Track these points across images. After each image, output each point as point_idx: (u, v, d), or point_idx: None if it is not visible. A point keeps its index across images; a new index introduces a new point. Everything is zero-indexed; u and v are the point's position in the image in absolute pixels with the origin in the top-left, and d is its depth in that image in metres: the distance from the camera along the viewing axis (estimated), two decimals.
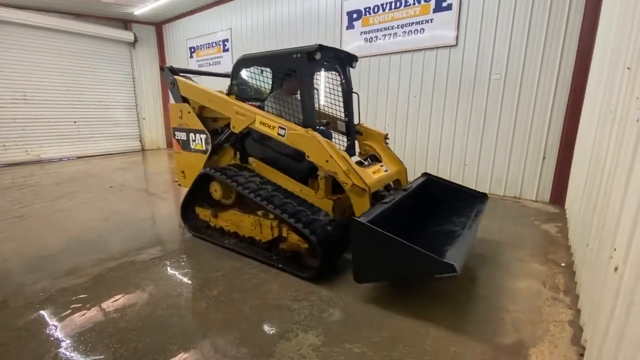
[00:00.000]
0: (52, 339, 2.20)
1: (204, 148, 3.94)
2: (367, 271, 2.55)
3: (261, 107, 3.59)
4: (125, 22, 10.66)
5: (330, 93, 3.97)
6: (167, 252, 3.60)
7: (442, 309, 2.51)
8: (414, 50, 6.01)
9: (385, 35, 6.29)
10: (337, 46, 6.95)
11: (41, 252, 3.55)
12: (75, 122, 9.99)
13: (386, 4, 6.17)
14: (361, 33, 6.58)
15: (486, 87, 5.39)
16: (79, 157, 10.03)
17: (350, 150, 3.84)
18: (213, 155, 3.94)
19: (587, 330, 2.09)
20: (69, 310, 2.51)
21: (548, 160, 5.05)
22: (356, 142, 4.04)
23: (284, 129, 3.20)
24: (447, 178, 5.98)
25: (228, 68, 9.15)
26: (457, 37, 5.51)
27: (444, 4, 5.54)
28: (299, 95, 3.72)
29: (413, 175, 6.44)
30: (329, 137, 3.85)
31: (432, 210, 3.59)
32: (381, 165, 3.55)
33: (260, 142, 3.66)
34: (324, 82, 3.98)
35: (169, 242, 3.86)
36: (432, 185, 3.76)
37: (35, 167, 8.70)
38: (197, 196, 3.89)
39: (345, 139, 4.03)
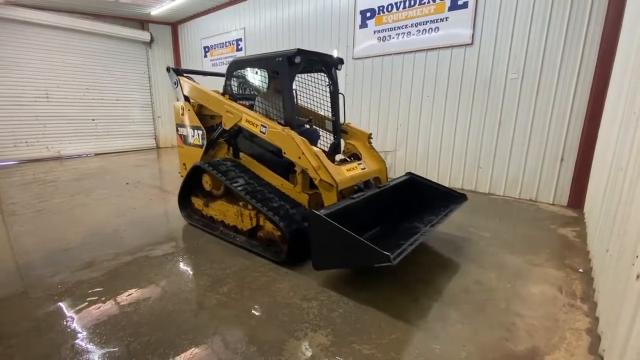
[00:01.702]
0: (69, 330, 2.27)
1: (200, 143, 4.29)
2: (323, 259, 2.73)
3: (251, 106, 3.89)
4: (142, 22, 10.88)
5: (320, 94, 4.18)
6: (179, 249, 3.66)
7: (453, 312, 2.47)
8: (428, 49, 5.93)
9: (398, 34, 6.22)
10: (349, 45, 6.93)
11: (60, 245, 3.67)
12: (93, 119, 10.27)
13: (400, 2, 6.10)
14: (374, 32, 6.53)
15: (502, 86, 5.27)
16: (96, 154, 10.30)
17: (335, 149, 4.07)
18: (209, 149, 4.28)
19: (605, 340, 2.02)
20: (86, 303, 2.58)
21: (566, 162, 4.90)
22: (342, 140, 4.19)
23: (265, 127, 3.47)
24: (460, 179, 5.94)
25: None
26: (472, 35, 5.40)
27: (460, 2, 5.44)
28: None
29: (425, 175, 6.36)
30: (317, 135, 4.18)
31: (408, 208, 3.69)
32: (359, 163, 3.70)
33: (249, 139, 3.92)
34: (315, 83, 4.23)
35: (181, 239, 3.93)
36: (414, 184, 3.87)
37: (55, 163, 8.99)
38: (191, 187, 4.18)
39: (332, 138, 4.21)
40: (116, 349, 2.09)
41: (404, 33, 6.14)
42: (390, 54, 6.43)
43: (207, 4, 9.44)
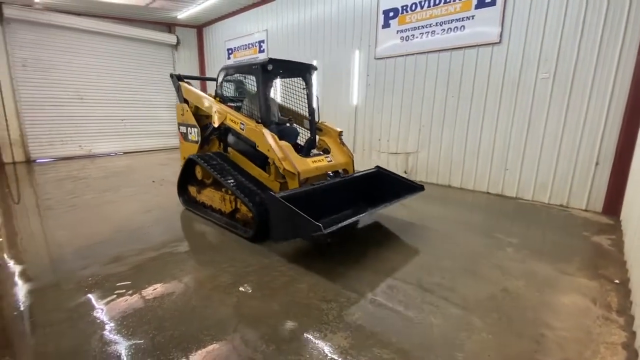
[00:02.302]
0: (99, 321, 2.37)
1: (196, 139, 4.93)
2: (278, 232, 3.20)
3: (238, 107, 4.53)
4: (169, 26, 11.24)
5: (299, 96, 4.74)
6: (202, 246, 3.75)
7: (478, 320, 2.39)
8: (453, 49, 5.78)
9: (422, 33, 6.10)
10: (371, 45, 6.88)
11: (90, 240, 3.84)
12: (122, 120, 10.70)
13: (424, 1, 5.99)
14: (397, 32, 6.44)
15: (532, 86, 5.05)
16: (124, 153, 10.74)
17: (311, 144, 4.57)
18: (204, 145, 4.92)
19: None
20: (114, 296, 2.69)
21: (602, 166, 4.63)
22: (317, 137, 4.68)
23: (243, 124, 4.07)
24: (485, 182, 5.76)
25: None
26: (501, 33, 5.21)
27: (487, 0, 5.27)
28: (272, 96, 4.68)
29: (449, 177, 6.22)
30: (295, 133, 4.71)
31: (371, 196, 4.11)
32: (326, 157, 4.22)
33: (236, 136, 4.44)
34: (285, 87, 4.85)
35: (204, 236, 4.02)
36: (380, 176, 4.34)
37: (87, 161, 9.44)
38: (187, 177, 4.83)
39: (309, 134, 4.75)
40: (142, 341, 2.15)
41: (428, 32, 6.02)
42: (413, 54, 6.32)
43: (232, 7, 9.63)
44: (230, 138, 4.64)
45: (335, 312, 2.46)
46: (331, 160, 4.20)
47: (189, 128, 5.11)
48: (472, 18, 5.48)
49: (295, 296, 2.68)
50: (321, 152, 4.47)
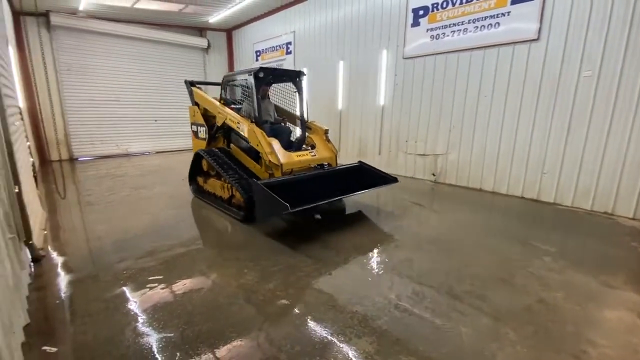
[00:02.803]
0: (133, 313, 2.48)
1: (204, 136, 5.63)
2: (261, 213, 3.75)
3: (239, 109, 5.05)
4: (200, 30, 11.63)
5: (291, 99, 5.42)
6: (229, 243, 3.84)
7: (512, 332, 2.26)
8: (486, 47, 5.54)
9: (453, 31, 5.90)
10: (400, 45, 6.76)
11: (126, 234, 4.04)
12: (155, 120, 11.20)
13: None
14: (427, 30, 6.27)
15: (574, 85, 4.74)
16: (157, 152, 11.23)
17: (301, 141, 5.10)
18: (211, 142, 5.58)
19: None
20: (147, 289, 2.80)
21: None
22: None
23: (240, 123, 4.64)
24: (520, 186, 5.48)
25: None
26: (539, 30, 4.93)
27: None
28: (270, 99, 5.47)
29: (480, 180, 5.97)
30: (287, 131, 5.31)
31: (350, 186, 4.50)
32: (310, 152, 4.73)
33: (237, 133, 4.95)
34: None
35: (231, 234, 4.11)
36: (361, 169, 4.90)
37: (123, 159, 9.97)
38: (196, 169, 5.54)
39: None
40: (172, 334, 2.23)
41: (460, 30, 5.81)
42: (443, 53, 6.13)
43: (261, 9, 9.80)
44: (233, 136, 5.23)
45: (361, 316, 2.43)
46: (315, 155, 4.71)
47: (198, 127, 5.82)
48: (508, 14, 5.23)
49: (320, 297, 2.67)
50: (309, 148, 4.98)
